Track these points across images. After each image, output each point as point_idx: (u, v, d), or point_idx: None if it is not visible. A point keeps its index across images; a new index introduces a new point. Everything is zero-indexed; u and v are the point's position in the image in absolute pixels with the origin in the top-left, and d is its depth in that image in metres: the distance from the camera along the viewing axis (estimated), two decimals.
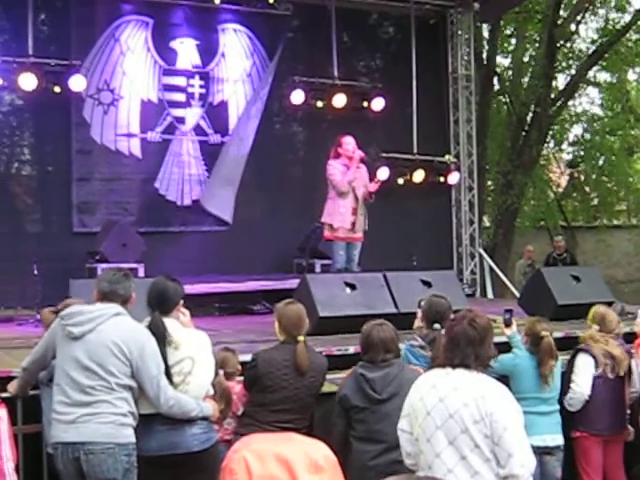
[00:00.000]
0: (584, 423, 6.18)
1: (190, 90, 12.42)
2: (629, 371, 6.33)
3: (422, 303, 5.93)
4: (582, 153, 22.77)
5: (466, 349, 3.83)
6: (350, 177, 9.39)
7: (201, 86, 12.48)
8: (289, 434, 4.66)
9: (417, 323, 5.91)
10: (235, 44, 12.78)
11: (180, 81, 12.39)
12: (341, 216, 9.40)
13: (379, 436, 4.94)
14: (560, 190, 23.60)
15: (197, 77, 12.47)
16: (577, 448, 6.23)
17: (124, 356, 4.55)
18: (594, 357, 6.15)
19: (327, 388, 5.58)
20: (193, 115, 12.42)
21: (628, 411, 6.36)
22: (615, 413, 6.23)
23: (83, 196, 11.60)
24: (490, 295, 13.88)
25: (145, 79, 12.08)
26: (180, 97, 12.37)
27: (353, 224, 9.47)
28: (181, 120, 12.33)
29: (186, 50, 12.36)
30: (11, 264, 10.84)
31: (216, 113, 12.58)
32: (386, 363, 5.07)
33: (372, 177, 9.88)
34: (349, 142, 9.58)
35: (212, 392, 4.91)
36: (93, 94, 11.56)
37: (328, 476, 3.74)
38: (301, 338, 5.21)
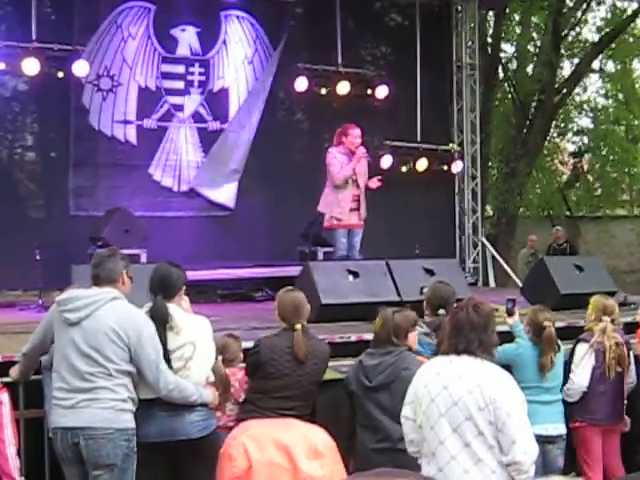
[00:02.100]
0: (583, 413, 6.19)
1: (189, 78, 12.39)
2: (627, 362, 6.32)
3: (425, 290, 5.92)
4: (586, 142, 22.73)
5: (469, 335, 3.84)
6: (348, 172, 9.33)
7: (200, 73, 12.44)
8: (288, 420, 4.66)
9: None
10: (237, 31, 12.72)
11: (179, 69, 12.35)
12: (339, 208, 9.37)
13: (375, 424, 4.97)
14: (564, 179, 23.56)
15: (197, 65, 12.42)
16: (577, 438, 6.24)
17: (122, 342, 4.53)
18: (594, 348, 6.14)
19: (329, 375, 5.59)
20: (192, 102, 12.39)
21: (625, 401, 6.36)
22: (614, 403, 6.23)
23: (80, 181, 11.60)
24: (492, 284, 13.88)
25: (144, 66, 12.06)
26: (179, 85, 12.34)
27: (354, 210, 9.43)
28: (179, 107, 12.30)
29: (187, 38, 12.31)
30: (14, 249, 10.82)
31: (216, 100, 12.55)
32: (385, 350, 5.06)
33: (374, 166, 9.84)
34: (357, 135, 9.47)
35: (212, 378, 4.91)
36: (93, 80, 11.53)
37: (327, 461, 3.74)
38: (298, 326, 5.19)
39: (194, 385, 4.72)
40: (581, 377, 6.13)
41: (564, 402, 6.10)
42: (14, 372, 5.17)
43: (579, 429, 6.21)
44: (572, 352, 6.28)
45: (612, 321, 6.27)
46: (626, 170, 22.17)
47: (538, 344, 5.96)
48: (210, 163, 12.37)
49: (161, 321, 4.70)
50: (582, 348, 6.20)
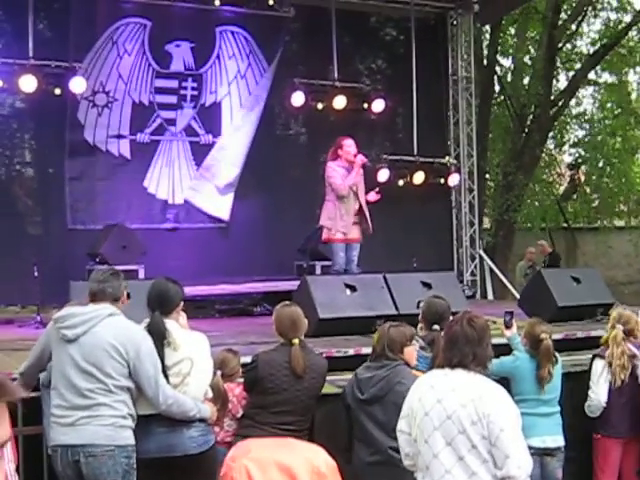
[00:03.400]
0: (605, 426, 6.24)
1: (182, 92, 12.47)
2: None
3: (421, 304, 5.93)
4: (583, 154, 22.77)
5: (464, 348, 3.85)
6: (351, 181, 9.37)
7: (193, 88, 12.51)
8: (287, 440, 4.66)
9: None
10: (231, 46, 12.79)
11: (172, 83, 12.43)
12: (343, 222, 9.39)
13: (369, 437, 4.98)
14: (561, 191, 23.60)
15: (190, 79, 12.51)
16: (596, 448, 6.30)
17: (120, 357, 4.54)
18: (609, 363, 6.17)
19: (327, 389, 5.59)
20: (184, 116, 12.47)
21: None
22: (634, 415, 6.25)
23: (77, 196, 11.67)
24: (490, 296, 13.89)
25: (138, 82, 12.13)
26: (171, 99, 12.43)
27: (355, 224, 9.46)
28: (171, 122, 12.39)
29: (181, 53, 12.38)
30: (12, 265, 10.84)
31: (208, 114, 12.62)
32: (379, 364, 5.07)
33: (371, 180, 9.87)
34: (350, 144, 9.56)
35: (211, 394, 4.91)
36: (88, 96, 11.59)
37: None
38: (296, 341, 5.20)
39: (193, 400, 4.73)
40: (599, 393, 6.18)
41: (562, 414, 6.11)
42: (21, 391, 5.16)
43: (600, 440, 6.28)
44: (589, 368, 6.31)
45: (630, 331, 6.27)
46: (623, 181, 22.20)
47: (535, 357, 5.97)
48: (203, 177, 12.43)
49: (158, 337, 4.71)
50: (598, 364, 6.24)
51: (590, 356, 6.46)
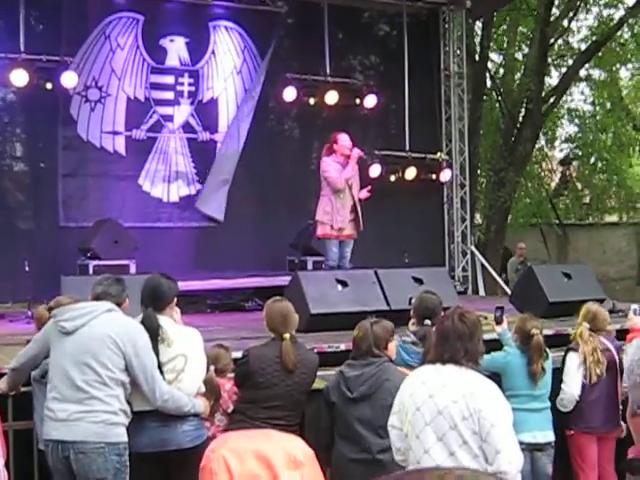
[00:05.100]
0: (578, 421, 6.22)
1: (179, 88, 12.43)
2: (621, 367, 6.34)
3: (413, 300, 5.94)
4: (574, 150, 22.82)
5: (455, 344, 3.86)
6: (348, 175, 9.37)
7: (190, 84, 12.48)
8: (267, 431, 4.67)
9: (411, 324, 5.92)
10: (226, 41, 12.78)
11: (168, 79, 12.39)
12: (340, 217, 9.38)
13: (353, 435, 4.97)
14: (552, 187, 23.64)
15: (186, 75, 12.47)
16: (572, 445, 6.28)
17: (118, 348, 4.55)
18: (583, 359, 6.17)
19: (318, 384, 5.59)
20: (182, 113, 12.43)
21: (621, 407, 6.37)
22: (608, 410, 6.25)
23: (69, 192, 11.61)
24: (482, 292, 13.90)
25: (132, 77, 12.08)
26: (168, 95, 12.38)
27: (351, 221, 9.46)
28: (169, 118, 12.33)
29: (175, 48, 12.35)
30: (3, 260, 10.82)
31: (206, 110, 12.58)
32: (366, 361, 5.07)
33: (363, 176, 9.86)
34: (345, 139, 9.54)
35: (204, 389, 4.92)
36: (81, 91, 11.55)
37: (307, 471, 3.74)
38: (287, 336, 5.21)
39: (187, 396, 4.73)
40: (572, 386, 6.16)
41: (553, 410, 6.13)
42: (2, 384, 5.16)
43: (574, 436, 6.25)
44: (563, 361, 6.31)
45: (595, 328, 6.30)
46: (614, 177, 22.26)
47: (526, 352, 5.99)
48: (200, 174, 12.39)
49: (151, 333, 4.71)
50: (572, 357, 6.23)
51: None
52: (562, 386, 6.20)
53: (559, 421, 6.18)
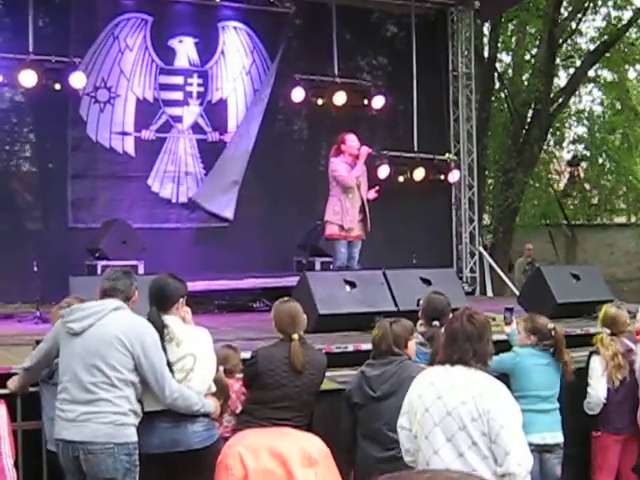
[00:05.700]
0: (605, 423, 6.24)
1: (188, 89, 12.42)
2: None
3: (421, 301, 5.94)
4: (583, 151, 22.77)
5: (464, 345, 3.85)
6: (357, 173, 9.38)
7: (199, 84, 12.48)
8: (283, 429, 4.68)
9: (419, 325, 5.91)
10: (235, 42, 12.77)
11: (177, 80, 12.39)
12: (350, 216, 9.38)
13: (378, 435, 4.97)
14: (560, 188, 23.59)
15: (195, 76, 12.46)
16: (595, 445, 6.30)
17: (126, 349, 4.55)
18: (605, 361, 6.18)
19: (327, 385, 5.59)
20: (191, 113, 12.42)
21: None
22: (633, 412, 6.24)
23: (78, 193, 11.62)
24: (490, 293, 13.88)
25: (142, 78, 12.08)
26: (177, 96, 12.37)
27: (360, 222, 9.46)
28: (178, 119, 12.33)
29: (184, 49, 12.35)
30: (12, 261, 10.84)
31: (215, 111, 12.58)
32: (386, 360, 5.08)
33: (371, 176, 9.86)
34: (353, 139, 9.56)
35: (214, 389, 4.91)
36: (90, 92, 11.56)
37: (321, 468, 3.75)
38: (295, 336, 5.21)
39: (197, 394, 4.73)
40: (598, 389, 6.18)
41: (561, 411, 6.11)
42: (12, 384, 5.16)
43: (600, 437, 6.28)
44: (587, 365, 6.32)
45: (617, 331, 6.27)
46: (623, 178, 22.22)
47: (545, 350, 5.95)
48: (210, 175, 12.37)
49: (157, 332, 4.71)
50: (596, 360, 6.24)
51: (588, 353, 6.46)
52: (588, 389, 6.22)
53: (576, 422, 6.17)
